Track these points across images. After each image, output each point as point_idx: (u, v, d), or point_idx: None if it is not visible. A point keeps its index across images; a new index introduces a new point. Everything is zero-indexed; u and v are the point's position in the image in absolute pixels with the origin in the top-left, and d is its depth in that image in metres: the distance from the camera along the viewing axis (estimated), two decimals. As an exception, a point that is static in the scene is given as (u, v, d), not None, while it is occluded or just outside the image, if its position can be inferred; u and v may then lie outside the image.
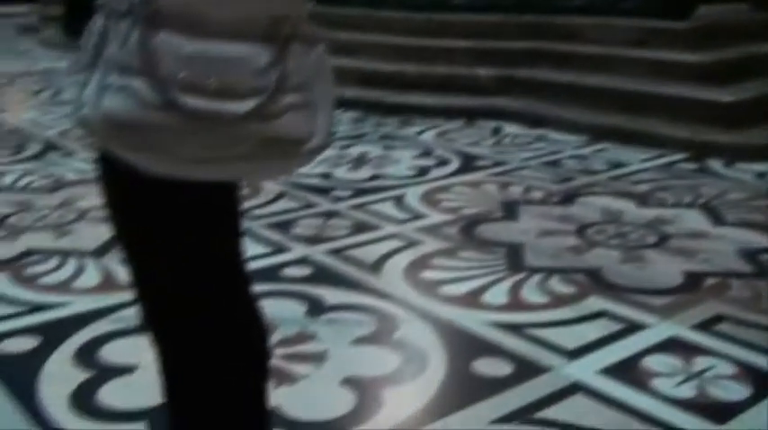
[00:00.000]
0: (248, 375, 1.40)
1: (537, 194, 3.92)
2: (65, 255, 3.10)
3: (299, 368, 2.22)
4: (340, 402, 2.08)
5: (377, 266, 2.99)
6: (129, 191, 1.22)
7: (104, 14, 1.14)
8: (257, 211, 3.57)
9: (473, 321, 2.53)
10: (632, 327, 2.49)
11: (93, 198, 3.82)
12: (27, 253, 3.13)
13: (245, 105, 1.07)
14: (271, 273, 2.86)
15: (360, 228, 3.44)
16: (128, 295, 2.64)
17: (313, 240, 3.27)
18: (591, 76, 5.45)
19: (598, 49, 5.67)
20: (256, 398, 1.42)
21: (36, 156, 4.75)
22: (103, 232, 3.31)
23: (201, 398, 1.37)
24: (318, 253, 3.13)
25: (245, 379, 1.40)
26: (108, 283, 2.82)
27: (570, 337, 2.42)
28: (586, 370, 2.23)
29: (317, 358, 2.29)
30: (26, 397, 2.09)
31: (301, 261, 3.03)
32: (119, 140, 1.11)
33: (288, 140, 1.12)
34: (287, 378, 2.15)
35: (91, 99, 1.10)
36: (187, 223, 1.26)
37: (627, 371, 2.24)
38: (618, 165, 4.43)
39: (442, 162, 4.57)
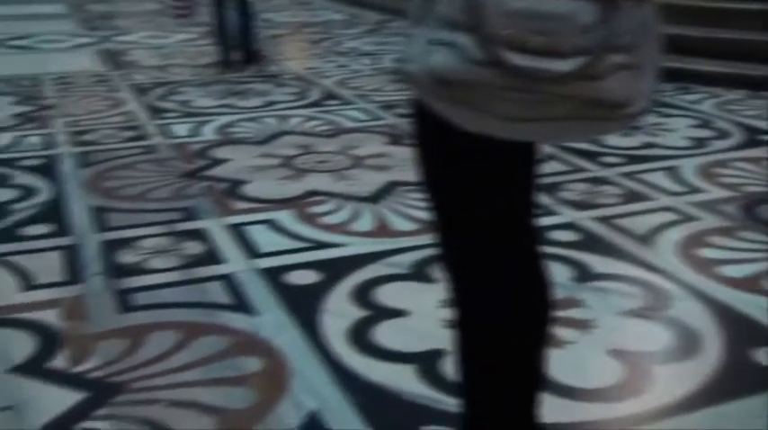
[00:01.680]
0: (530, 332, 1.42)
1: (833, 177, 3.57)
2: (343, 198, 3.29)
3: (565, 333, 2.21)
4: (606, 372, 2.05)
5: (648, 238, 2.89)
6: (440, 142, 1.27)
7: None
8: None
9: (755, 307, 2.37)
10: None
11: (368, 146, 4.03)
12: (310, 193, 3.36)
13: (569, 64, 1.05)
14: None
15: (630, 196, 3.32)
16: (401, 242, 2.80)
17: (581, 205, 3.21)
18: None
19: None
20: (535, 356, 1.44)
21: (316, 103, 5.06)
22: (377, 179, 3.50)
23: (486, 349, 1.41)
24: (586, 219, 3.07)
25: (526, 335, 1.42)
26: (382, 229, 2.97)
27: None
28: None
29: (584, 325, 2.27)
30: (309, 326, 2.26)
31: (569, 226, 2.99)
32: (441, 95, 1.13)
33: (609, 103, 1.09)
34: (554, 342, 2.14)
35: (418, 54, 1.13)
36: (490, 177, 1.29)
37: None
38: None
39: (722, 134, 4.28)
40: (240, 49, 6.22)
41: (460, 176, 1.29)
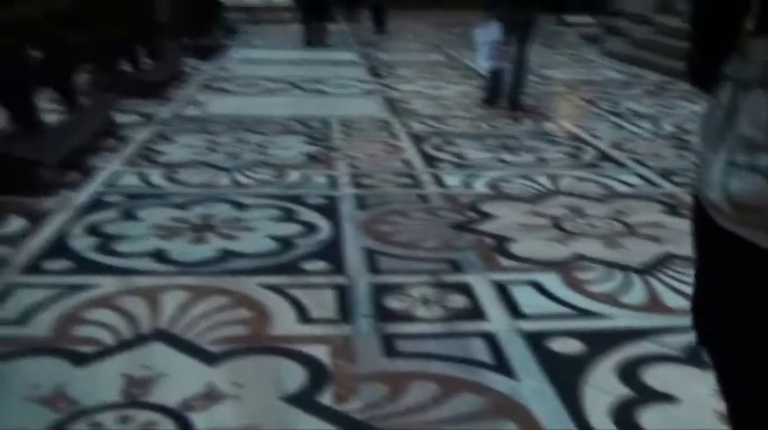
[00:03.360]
0: None
1: None
2: (612, 266, 3.17)
3: None
4: None
5: None
6: (733, 259, 1.15)
7: (732, 86, 1.07)
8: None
9: None
10: None
11: (643, 213, 3.88)
12: (578, 257, 3.28)
13: None
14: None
15: None
16: (674, 320, 2.64)
17: None
18: None
19: None
20: None
21: (590, 165, 4.96)
22: (652, 250, 3.34)
23: None
24: None
25: None
26: (654, 304, 2.82)
27: None
28: None
29: None
30: (570, 398, 2.18)
31: None
32: (742, 220, 1.06)
33: None
34: None
35: (716, 180, 1.07)
36: None
37: None
38: None
39: None
40: (511, 102, 6.59)
41: (750, 292, 1.18)
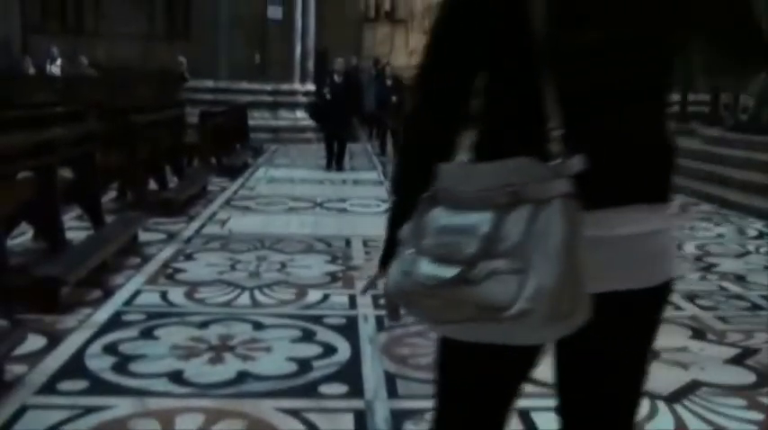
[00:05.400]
0: None
1: None
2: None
3: None
4: None
5: None
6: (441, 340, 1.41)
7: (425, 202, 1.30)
8: None
9: None
10: None
11: (667, 339, 3.79)
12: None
13: (451, 271, 1.15)
14: None
15: None
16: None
17: None
18: None
19: None
20: None
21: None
22: (678, 376, 3.27)
23: None
24: None
25: None
26: (681, 434, 2.74)
27: None
28: None
29: None
30: None
31: None
32: (402, 304, 1.32)
33: (488, 306, 1.14)
34: None
35: (390, 271, 1.31)
36: (472, 374, 1.37)
37: None
38: None
39: None
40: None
41: (448, 369, 1.42)
